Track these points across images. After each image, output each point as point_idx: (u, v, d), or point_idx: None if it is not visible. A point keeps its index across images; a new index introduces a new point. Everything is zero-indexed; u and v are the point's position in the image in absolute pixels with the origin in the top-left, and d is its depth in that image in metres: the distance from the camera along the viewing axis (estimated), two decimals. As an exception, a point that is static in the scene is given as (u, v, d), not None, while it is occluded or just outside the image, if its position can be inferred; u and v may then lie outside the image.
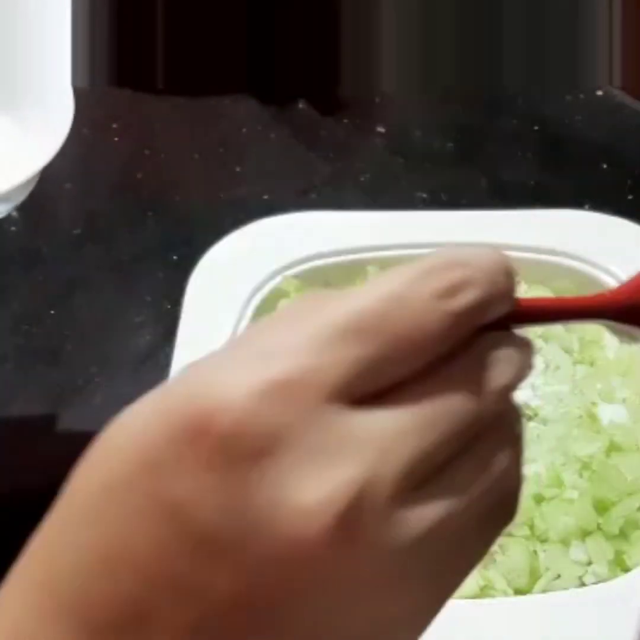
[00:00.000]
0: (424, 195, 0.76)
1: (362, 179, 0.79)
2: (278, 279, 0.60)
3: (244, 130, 0.85)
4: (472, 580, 0.47)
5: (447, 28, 0.77)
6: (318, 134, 0.83)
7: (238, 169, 0.81)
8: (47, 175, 0.83)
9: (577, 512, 0.48)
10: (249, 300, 0.59)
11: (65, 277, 0.73)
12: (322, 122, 0.84)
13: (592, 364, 0.58)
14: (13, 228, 0.78)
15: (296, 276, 0.61)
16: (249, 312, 0.59)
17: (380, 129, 0.83)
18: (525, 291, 0.59)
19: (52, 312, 0.70)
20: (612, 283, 0.59)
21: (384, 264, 0.61)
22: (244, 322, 0.59)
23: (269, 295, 0.60)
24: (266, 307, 0.60)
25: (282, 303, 0.60)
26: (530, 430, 0.52)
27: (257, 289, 0.60)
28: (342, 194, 0.78)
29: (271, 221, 0.63)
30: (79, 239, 0.77)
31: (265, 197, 0.77)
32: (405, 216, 0.62)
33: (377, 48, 0.77)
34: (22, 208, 0.79)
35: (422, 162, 0.80)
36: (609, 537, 0.48)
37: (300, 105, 0.85)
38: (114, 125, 0.84)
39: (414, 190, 0.77)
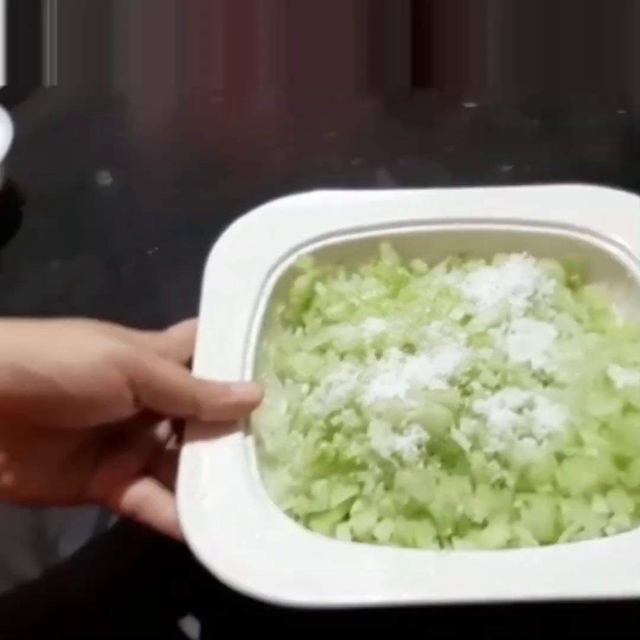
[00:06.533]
0: (508, 168, 0.79)
1: (447, 150, 0.81)
2: (293, 257, 0.61)
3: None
4: (499, 534, 0.48)
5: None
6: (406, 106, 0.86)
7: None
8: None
9: (597, 468, 0.50)
10: (266, 279, 0.60)
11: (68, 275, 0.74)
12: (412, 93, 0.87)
13: (602, 332, 0.60)
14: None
15: (311, 254, 0.62)
16: (267, 291, 0.60)
17: (470, 105, 0.86)
18: (534, 263, 0.61)
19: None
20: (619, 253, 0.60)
21: (398, 241, 0.62)
22: (263, 300, 0.59)
23: (285, 273, 0.61)
24: (283, 285, 0.61)
25: (299, 280, 0.61)
26: (548, 394, 0.53)
27: (274, 267, 0.61)
28: (426, 165, 0.80)
29: (285, 201, 0.63)
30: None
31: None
32: (417, 193, 0.63)
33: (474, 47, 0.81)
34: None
35: (506, 138, 0.83)
36: (629, 491, 0.49)
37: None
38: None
39: (497, 164, 0.80)
